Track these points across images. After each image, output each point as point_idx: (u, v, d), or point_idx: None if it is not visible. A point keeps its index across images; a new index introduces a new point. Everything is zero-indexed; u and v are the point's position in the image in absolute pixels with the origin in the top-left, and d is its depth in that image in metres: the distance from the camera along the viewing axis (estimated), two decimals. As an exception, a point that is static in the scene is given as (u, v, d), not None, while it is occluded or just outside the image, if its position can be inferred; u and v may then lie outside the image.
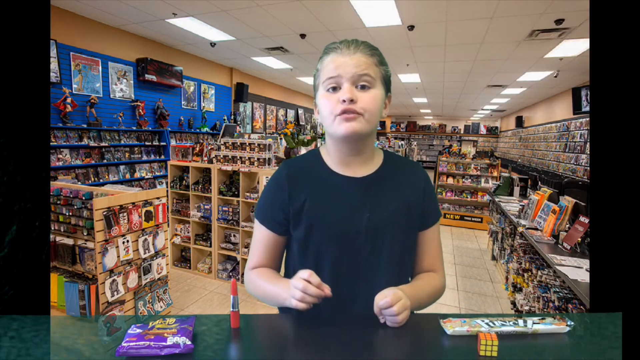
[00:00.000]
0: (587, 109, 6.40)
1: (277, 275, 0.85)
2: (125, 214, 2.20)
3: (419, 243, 0.86)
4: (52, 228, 2.24)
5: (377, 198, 0.80)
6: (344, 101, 0.71)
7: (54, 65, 4.05)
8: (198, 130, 6.47)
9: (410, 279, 0.87)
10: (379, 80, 0.75)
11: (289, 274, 0.89)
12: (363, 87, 0.73)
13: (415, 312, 0.78)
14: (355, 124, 0.72)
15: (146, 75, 5.21)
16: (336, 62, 0.73)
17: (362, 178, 0.81)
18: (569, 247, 2.06)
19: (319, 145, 3.80)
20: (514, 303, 2.86)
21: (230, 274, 3.40)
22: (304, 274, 0.68)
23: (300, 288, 0.66)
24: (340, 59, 0.73)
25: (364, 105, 0.72)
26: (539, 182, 4.04)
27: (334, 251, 0.79)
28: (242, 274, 3.30)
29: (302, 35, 4.86)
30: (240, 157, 3.21)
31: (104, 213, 2.08)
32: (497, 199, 3.85)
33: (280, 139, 3.74)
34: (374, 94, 0.74)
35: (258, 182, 3.24)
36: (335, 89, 0.74)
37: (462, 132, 16.95)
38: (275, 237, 0.85)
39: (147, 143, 5.27)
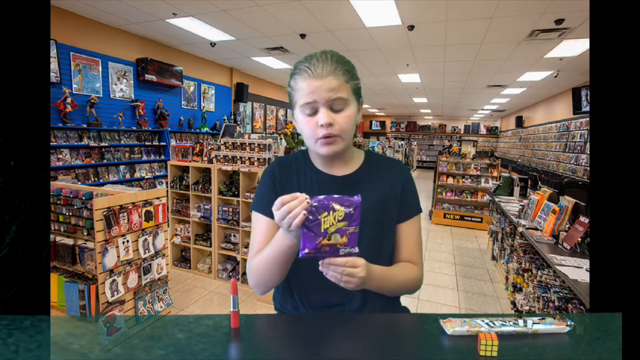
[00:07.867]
0: (587, 109, 6.41)
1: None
2: (125, 214, 2.20)
3: (398, 235, 0.90)
4: (52, 228, 2.24)
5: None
6: (323, 126, 0.77)
7: (54, 65, 4.05)
8: (198, 130, 6.47)
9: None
10: (351, 96, 0.80)
11: None
12: (337, 110, 0.78)
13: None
14: (334, 146, 0.80)
15: (146, 75, 5.21)
16: (310, 87, 0.76)
17: (342, 177, 0.88)
18: (569, 247, 2.06)
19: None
20: (514, 303, 2.86)
21: (230, 274, 3.40)
22: (278, 201, 0.65)
23: (283, 213, 0.64)
24: (314, 84, 0.76)
25: (340, 127, 0.78)
26: (539, 182, 4.03)
27: None
28: (242, 274, 3.31)
29: (302, 35, 4.86)
30: (240, 157, 3.21)
31: (104, 213, 2.08)
32: (497, 199, 3.85)
33: (280, 139, 3.73)
34: (348, 113, 0.79)
35: (258, 182, 3.23)
36: (312, 113, 0.79)
37: (462, 132, 16.94)
38: (272, 223, 0.87)
39: (147, 143, 5.27)
